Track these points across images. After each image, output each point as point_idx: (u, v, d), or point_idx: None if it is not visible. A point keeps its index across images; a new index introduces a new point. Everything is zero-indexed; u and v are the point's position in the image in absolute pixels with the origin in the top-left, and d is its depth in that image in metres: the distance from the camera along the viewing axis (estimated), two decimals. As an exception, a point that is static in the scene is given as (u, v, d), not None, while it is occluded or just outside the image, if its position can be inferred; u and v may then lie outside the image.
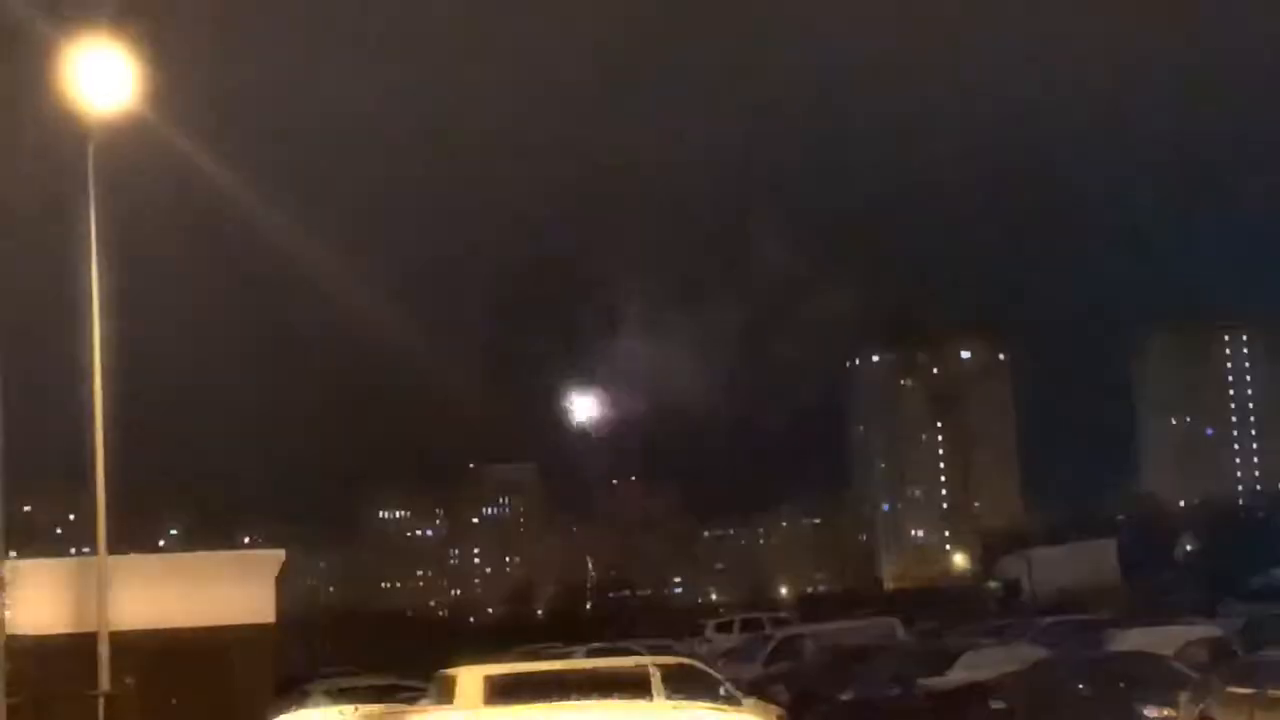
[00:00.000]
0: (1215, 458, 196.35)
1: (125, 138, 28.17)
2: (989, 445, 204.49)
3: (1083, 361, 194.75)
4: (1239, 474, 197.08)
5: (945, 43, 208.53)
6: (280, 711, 28.13)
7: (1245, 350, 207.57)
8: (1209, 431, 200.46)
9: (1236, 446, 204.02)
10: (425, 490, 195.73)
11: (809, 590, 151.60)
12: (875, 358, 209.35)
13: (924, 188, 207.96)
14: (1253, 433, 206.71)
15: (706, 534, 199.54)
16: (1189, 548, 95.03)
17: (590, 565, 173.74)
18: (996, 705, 31.84)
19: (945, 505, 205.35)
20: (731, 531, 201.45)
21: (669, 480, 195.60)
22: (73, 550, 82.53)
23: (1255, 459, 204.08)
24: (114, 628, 25.52)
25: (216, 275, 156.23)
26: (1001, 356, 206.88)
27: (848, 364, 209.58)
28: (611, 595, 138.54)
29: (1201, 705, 25.86)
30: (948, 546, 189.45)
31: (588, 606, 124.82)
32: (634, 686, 24.19)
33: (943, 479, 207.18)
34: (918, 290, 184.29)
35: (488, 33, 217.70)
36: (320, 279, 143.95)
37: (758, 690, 35.74)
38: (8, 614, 22.68)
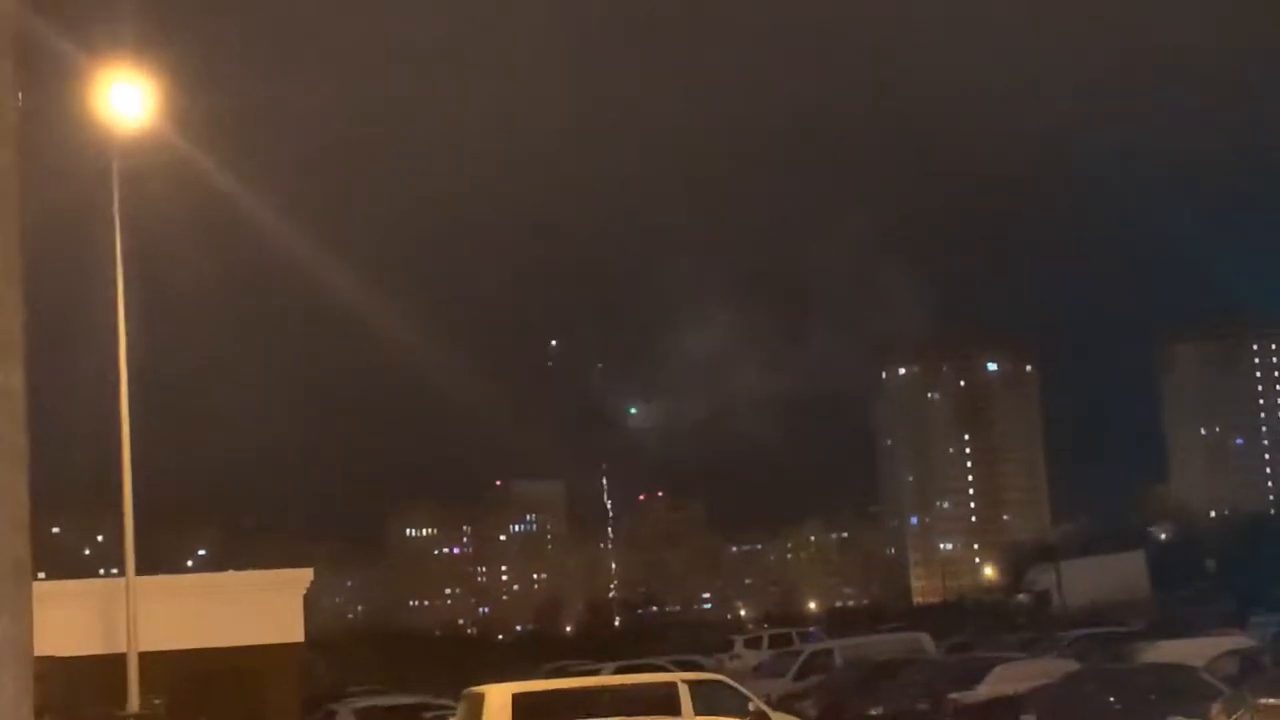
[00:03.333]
0: (1245, 468, 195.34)
1: (148, 158, 28.26)
2: (1016, 457, 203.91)
3: (1111, 372, 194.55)
4: (1270, 484, 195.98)
5: (980, 55, 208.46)
6: (309, 731, 28.10)
7: (1275, 360, 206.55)
8: (1239, 441, 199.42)
9: (1267, 456, 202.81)
10: (452, 508, 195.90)
11: (837, 604, 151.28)
12: (902, 371, 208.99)
13: (951, 201, 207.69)
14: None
15: (734, 549, 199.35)
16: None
17: (617, 582, 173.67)
18: (1027, 718, 31.71)
19: (973, 518, 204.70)
20: (759, 546, 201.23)
21: (696, 496, 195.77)
22: (101, 571, 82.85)
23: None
24: (143, 648, 25.55)
25: (241, 296, 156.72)
26: (1028, 368, 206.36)
27: (875, 378, 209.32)
28: (640, 611, 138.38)
29: (1233, 717, 25.68)
30: (976, 559, 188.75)
31: (616, 623, 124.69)
32: (663, 703, 24.12)
33: (970, 491, 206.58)
34: (944, 303, 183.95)
35: (499, 45, 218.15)
36: (345, 298, 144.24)
37: (787, 705, 35.64)
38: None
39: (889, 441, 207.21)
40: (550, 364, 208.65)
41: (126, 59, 26.55)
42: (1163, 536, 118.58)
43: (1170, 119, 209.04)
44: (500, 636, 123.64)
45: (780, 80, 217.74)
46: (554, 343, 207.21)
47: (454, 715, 27.46)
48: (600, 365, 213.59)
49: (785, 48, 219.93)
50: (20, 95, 5.67)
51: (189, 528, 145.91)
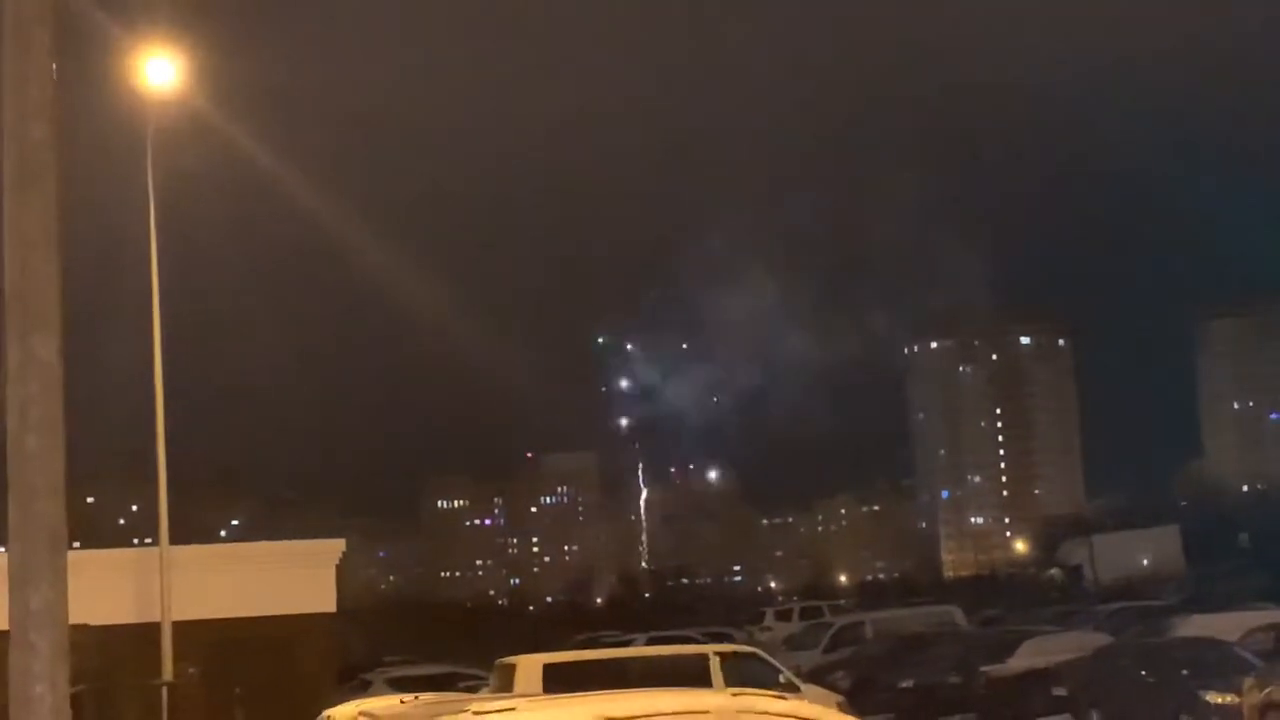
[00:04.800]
0: (1279, 442, 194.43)
1: (183, 129, 28.35)
2: (1050, 431, 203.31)
3: (1144, 346, 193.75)
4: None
5: (1019, 29, 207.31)
6: (341, 700, 28.23)
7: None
8: (1273, 416, 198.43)
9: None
10: (484, 480, 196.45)
11: (869, 577, 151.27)
12: (934, 344, 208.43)
13: (983, 174, 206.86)
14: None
15: (766, 522, 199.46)
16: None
17: (648, 554, 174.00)
18: (1059, 692, 31.68)
19: (1006, 492, 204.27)
20: (791, 519, 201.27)
21: (728, 469, 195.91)
22: (135, 541, 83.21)
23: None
24: (176, 618, 25.71)
25: (276, 267, 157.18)
26: (1061, 342, 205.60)
27: (907, 351, 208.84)
28: (670, 583, 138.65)
29: (1265, 691, 25.63)
30: (1008, 533, 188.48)
31: (646, 595, 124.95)
32: (693, 674, 24.16)
33: (1003, 465, 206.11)
34: (977, 276, 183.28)
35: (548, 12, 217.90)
36: (379, 270, 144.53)
37: (818, 678, 35.69)
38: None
39: (921, 415, 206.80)
40: (599, 341, 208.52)
41: (162, 31, 26.62)
42: (1182, 503, 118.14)
43: (1208, 94, 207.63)
44: (532, 608, 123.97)
45: (811, 46, 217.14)
46: (600, 339, 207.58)
47: (486, 685, 27.58)
48: (632, 340, 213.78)
49: (818, 11, 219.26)
50: (56, 68, 5.71)
51: (223, 498, 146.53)
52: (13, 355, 5.59)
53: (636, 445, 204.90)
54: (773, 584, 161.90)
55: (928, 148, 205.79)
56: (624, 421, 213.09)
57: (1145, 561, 79.04)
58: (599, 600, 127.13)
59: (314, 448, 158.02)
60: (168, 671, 25.41)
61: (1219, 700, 27.09)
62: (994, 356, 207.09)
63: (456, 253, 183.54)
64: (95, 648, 23.90)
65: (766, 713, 11.47)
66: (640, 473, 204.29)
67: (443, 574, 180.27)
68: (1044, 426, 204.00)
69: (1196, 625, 36.42)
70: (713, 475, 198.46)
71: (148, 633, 25.63)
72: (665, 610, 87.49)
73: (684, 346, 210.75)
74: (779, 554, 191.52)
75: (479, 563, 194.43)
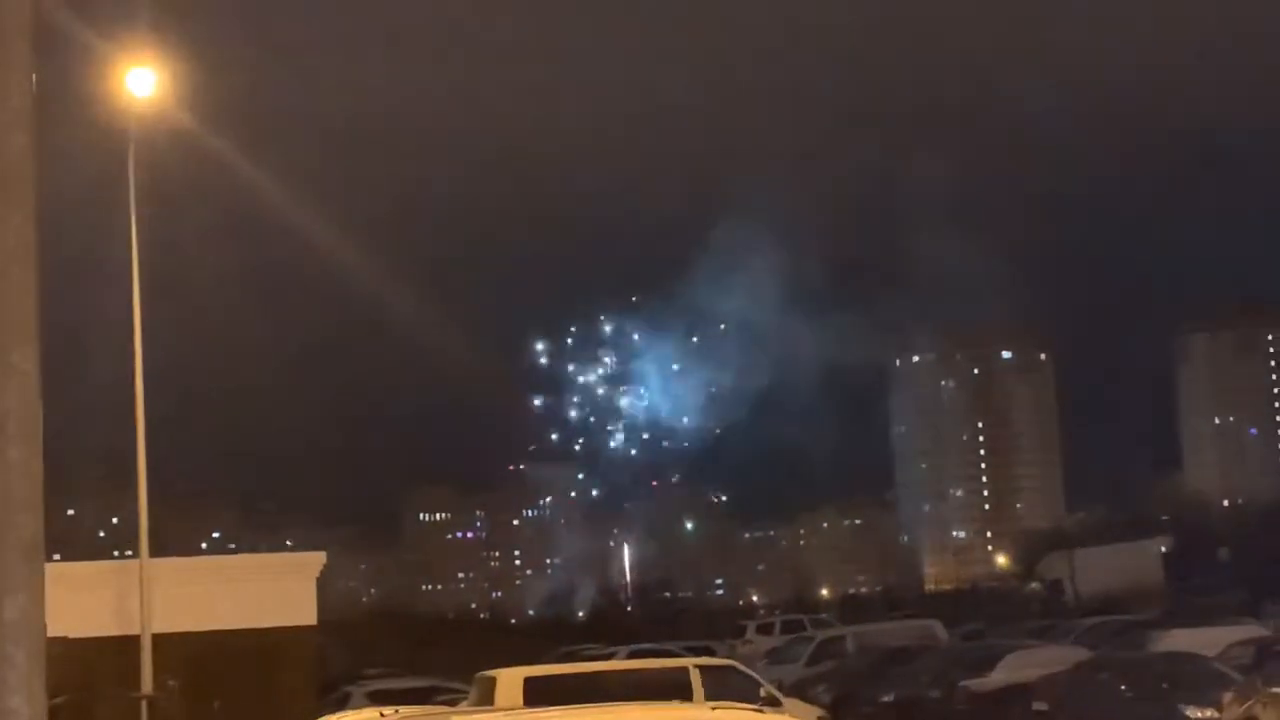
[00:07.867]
0: (1260, 457, 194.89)
1: (164, 140, 28.34)
2: (1030, 446, 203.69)
3: (1125, 360, 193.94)
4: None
5: (1002, 43, 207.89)
6: (322, 713, 28.20)
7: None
8: (1253, 431, 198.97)
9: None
10: (466, 492, 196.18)
11: (850, 591, 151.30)
12: (916, 358, 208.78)
13: (965, 190, 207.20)
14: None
15: (747, 535, 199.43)
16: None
17: (630, 567, 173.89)
18: (1039, 707, 31.70)
19: (987, 506, 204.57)
20: (772, 533, 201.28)
21: (710, 482, 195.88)
22: (115, 553, 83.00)
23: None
24: (156, 630, 25.63)
25: (258, 278, 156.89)
26: (1043, 356, 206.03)
27: (889, 364, 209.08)
28: (653, 597, 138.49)
29: (1245, 706, 25.67)
30: (989, 547, 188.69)
31: (628, 608, 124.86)
32: (674, 687, 24.14)
33: (984, 479, 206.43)
34: (958, 290, 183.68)
35: (524, 31, 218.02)
36: (362, 281, 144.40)
37: (799, 691, 35.70)
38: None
39: (903, 429, 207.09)
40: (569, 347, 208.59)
41: (142, 42, 26.61)
42: (1162, 518, 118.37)
43: (1184, 110, 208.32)
44: (513, 621, 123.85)
45: (795, 59, 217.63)
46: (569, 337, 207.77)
47: (466, 698, 27.53)
48: (613, 353, 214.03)
49: (800, 28, 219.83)
50: (34, 78, 5.71)
51: (203, 510, 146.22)
52: (-9, 366, 5.58)
53: (619, 457, 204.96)
54: (754, 597, 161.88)
55: (906, 166, 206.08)
56: (608, 432, 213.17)
57: (1125, 576, 79.11)
58: (580, 613, 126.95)
59: (295, 459, 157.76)
60: (147, 684, 25.33)
61: (1199, 715, 27.14)
62: (975, 370, 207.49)
63: (439, 263, 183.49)
64: (74, 660, 23.83)
65: (747, 726, 11.47)
66: (622, 485, 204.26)
67: (424, 587, 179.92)
68: (1025, 440, 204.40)
69: (1176, 640, 36.50)
70: (694, 488, 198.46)
71: (127, 645, 25.55)
72: (647, 624, 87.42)
73: (665, 361, 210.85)
74: (761, 567, 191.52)
75: (460, 575, 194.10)
